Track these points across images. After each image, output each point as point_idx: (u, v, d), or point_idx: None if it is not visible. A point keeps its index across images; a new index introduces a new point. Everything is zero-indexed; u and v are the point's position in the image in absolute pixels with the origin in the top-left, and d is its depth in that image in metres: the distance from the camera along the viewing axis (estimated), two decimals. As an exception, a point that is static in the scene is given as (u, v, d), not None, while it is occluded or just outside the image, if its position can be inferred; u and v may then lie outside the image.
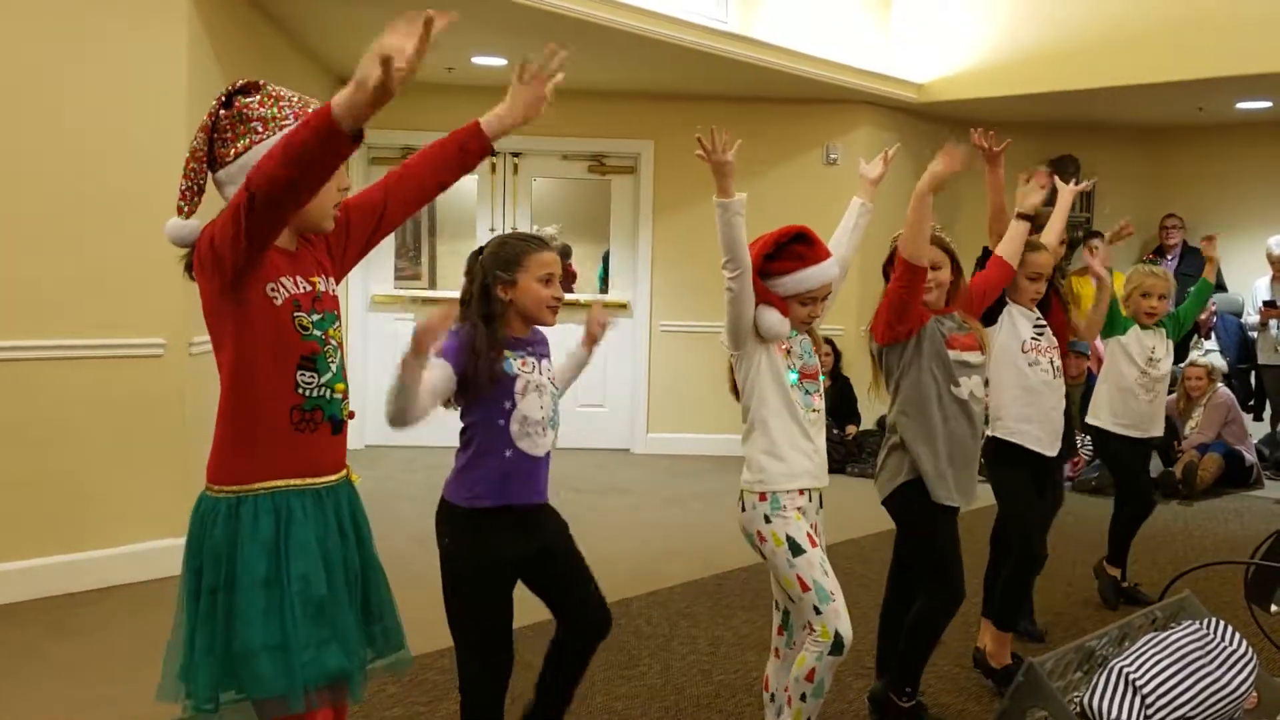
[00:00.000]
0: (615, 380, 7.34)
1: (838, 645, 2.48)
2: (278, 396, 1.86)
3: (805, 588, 2.50)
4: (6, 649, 3.56)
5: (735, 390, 2.69)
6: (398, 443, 6.41)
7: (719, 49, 5.99)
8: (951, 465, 2.86)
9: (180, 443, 4.35)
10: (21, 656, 3.51)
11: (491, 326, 2.40)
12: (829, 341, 7.06)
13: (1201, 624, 2.66)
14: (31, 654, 3.54)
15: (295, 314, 1.86)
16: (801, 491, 2.59)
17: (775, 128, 7.37)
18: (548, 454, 2.47)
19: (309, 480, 1.91)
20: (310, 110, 1.82)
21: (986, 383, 3.02)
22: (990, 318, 3.41)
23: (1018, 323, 3.46)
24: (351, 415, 2.00)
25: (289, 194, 1.68)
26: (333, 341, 1.93)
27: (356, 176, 7.17)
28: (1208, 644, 2.58)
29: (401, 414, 2.18)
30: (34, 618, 3.84)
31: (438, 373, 2.30)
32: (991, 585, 3.56)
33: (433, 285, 8.34)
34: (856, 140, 7.39)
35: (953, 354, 2.90)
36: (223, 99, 1.87)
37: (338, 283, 2.02)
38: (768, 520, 2.56)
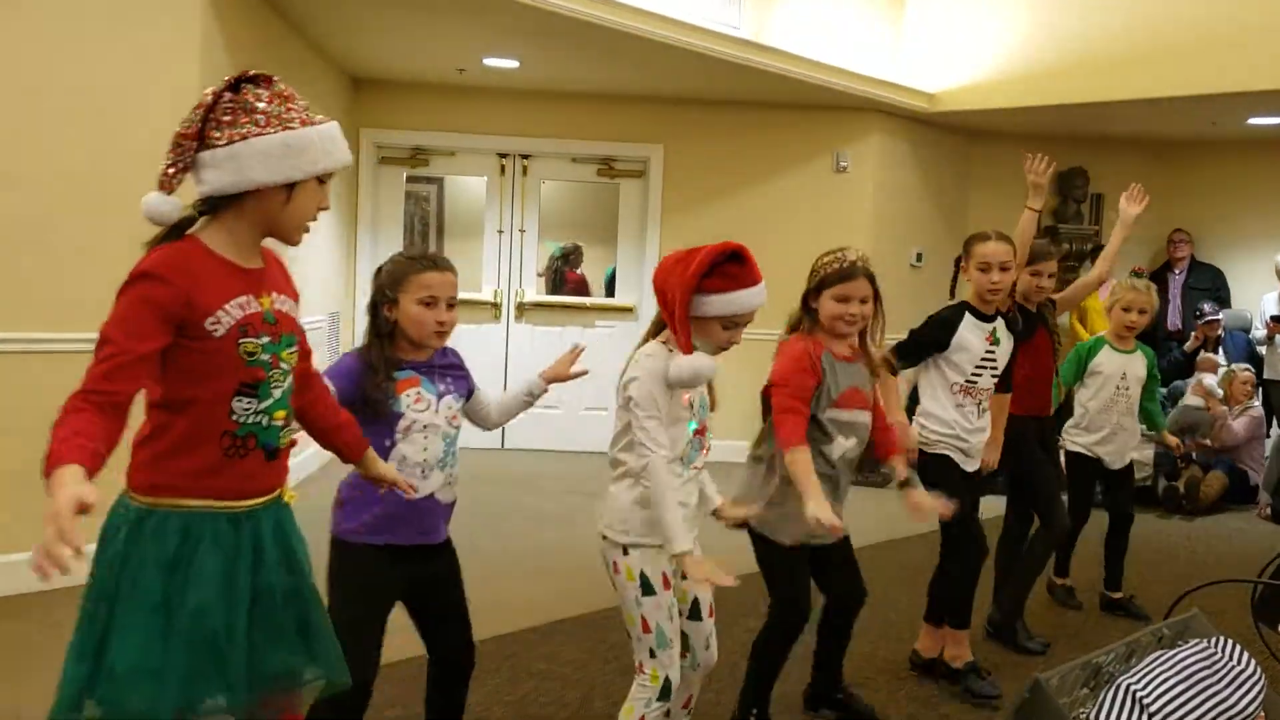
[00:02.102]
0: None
1: (665, 691, 2.42)
2: (209, 422, 1.78)
3: (647, 629, 2.41)
4: (3, 641, 3.55)
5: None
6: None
7: (731, 55, 5.98)
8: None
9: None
10: (17, 650, 3.50)
11: (383, 344, 2.38)
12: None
13: (1209, 643, 2.64)
14: (25, 648, 3.53)
15: (241, 340, 1.78)
16: None
17: (785, 134, 7.36)
18: (433, 496, 2.43)
19: (228, 503, 1.81)
20: (317, 119, 1.84)
21: (863, 440, 2.91)
22: (936, 346, 3.38)
23: (956, 359, 3.38)
24: (293, 443, 1.92)
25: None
26: (282, 366, 1.85)
27: (366, 176, 7.17)
28: (1215, 663, 2.55)
29: None
30: (29, 611, 3.82)
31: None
32: (936, 590, 3.59)
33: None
34: (867, 148, 7.38)
35: (835, 413, 2.80)
36: (230, 82, 1.81)
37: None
38: (626, 552, 2.43)
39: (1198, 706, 2.43)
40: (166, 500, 1.78)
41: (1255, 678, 2.56)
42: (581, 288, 8.45)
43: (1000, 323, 3.45)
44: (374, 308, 2.41)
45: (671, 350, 2.40)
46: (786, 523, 2.81)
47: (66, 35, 4.01)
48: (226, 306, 1.77)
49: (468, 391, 2.54)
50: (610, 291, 7.90)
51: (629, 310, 7.42)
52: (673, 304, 2.37)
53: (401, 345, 2.40)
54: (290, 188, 1.80)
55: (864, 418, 2.90)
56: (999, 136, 8.01)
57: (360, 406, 2.30)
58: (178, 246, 1.78)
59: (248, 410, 1.80)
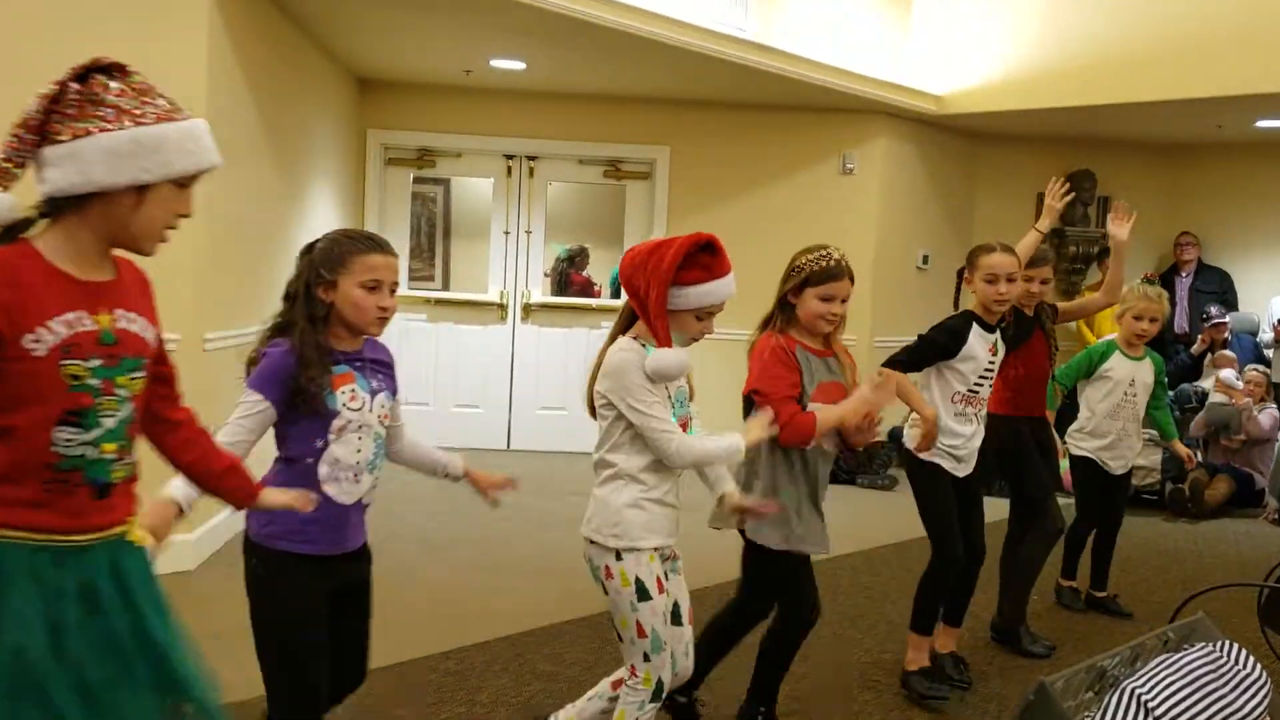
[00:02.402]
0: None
1: (658, 693, 2.43)
2: (26, 453, 1.59)
3: (642, 634, 2.41)
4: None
5: (593, 411, 2.51)
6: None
7: (738, 56, 5.98)
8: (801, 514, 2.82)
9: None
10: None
11: (316, 330, 2.16)
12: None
13: (1215, 647, 2.64)
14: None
15: (63, 361, 1.58)
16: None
17: (792, 136, 7.36)
18: (360, 501, 2.25)
19: (54, 538, 1.61)
20: (176, 115, 1.65)
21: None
22: (944, 354, 3.39)
23: (961, 369, 3.39)
24: (134, 479, 1.72)
25: None
26: (118, 393, 1.65)
27: (373, 177, 7.18)
28: (1221, 667, 2.55)
29: None
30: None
31: (253, 420, 2.11)
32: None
33: (446, 286, 8.35)
34: (874, 150, 7.37)
35: (812, 408, 2.74)
36: (78, 72, 1.61)
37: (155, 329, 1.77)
38: (619, 558, 2.41)
39: (1203, 711, 2.43)
40: None
41: (1261, 682, 2.55)
42: (587, 289, 8.46)
43: (998, 333, 3.49)
44: (306, 289, 2.18)
45: (644, 345, 2.39)
46: (774, 525, 2.79)
47: (72, 37, 4.02)
48: (50, 323, 1.57)
49: (394, 390, 2.34)
50: (616, 293, 7.89)
51: (635, 312, 7.41)
52: (647, 297, 2.34)
53: (336, 332, 2.20)
54: (141, 191, 1.61)
55: None
56: (1005, 139, 8.00)
57: (290, 404, 2.13)
58: (3, 252, 1.58)
59: (70, 442, 1.61)
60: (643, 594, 2.40)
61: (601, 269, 8.53)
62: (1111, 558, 4.48)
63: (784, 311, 2.87)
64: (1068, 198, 3.95)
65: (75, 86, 1.60)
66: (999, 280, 3.35)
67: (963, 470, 3.44)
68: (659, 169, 7.45)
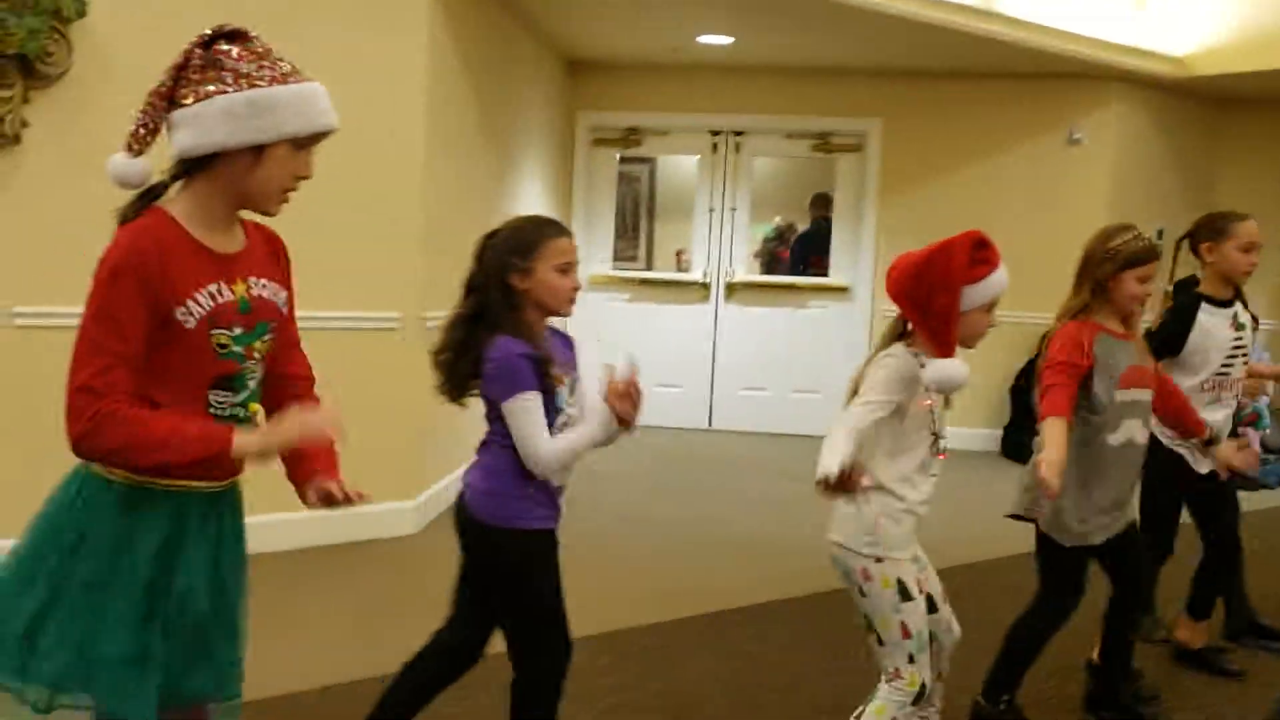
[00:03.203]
0: (831, 366, 7.13)
1: (920, 695, 2.39)
2: (189, 414, 1.70)
3: (906, 634, 2.37)
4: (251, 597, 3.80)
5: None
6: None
7: (956, 22, 5.69)
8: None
9: (411, 412, 4.54)
10: (266, 604, 3.73)
11: (518, 323, 2.23)
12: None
13: None
14: (274, 601, 3.75)
15: (212, 331, 1.69)
16: None
17: (1013, 106, 6.98)
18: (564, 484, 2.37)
19: (206, 483, 1.75)
20: (292, 78, 1.71)
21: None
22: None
23: (1201, 354, 3.25)
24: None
25: (137, 459, 1.64)
26: (255, 356, 1.77)
27: (580, 158, 7.28)
28: None
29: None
30: (277, 569, 4.07)
31: (540, 414, 2.20)
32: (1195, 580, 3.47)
33: (649, 266, 8.41)
34: (1105, 120, 6.91)
35: (1122, 395, 2.74)
36: (204, 39, 1.69)
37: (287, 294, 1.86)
38: (879, 561, 2.37)
39: None
40: (151, 480, 1.70)
41: None
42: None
43: (1238, 306, 3.31)
44: (500, 280, 2.24)
45: (918, 355, 2.36)
46: (1061, 521, 2.79)
47: (296, 35, 4.21)
48: (197, 295, 1.67)
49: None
50: (800, 263, 7.76)
51: (844, 290, 7.23)
52: (931, 304, 2.31)
53: (530, 316, 2.26)
54: (258, 151, 1.68)
55: (1146, 396, 2.85)
56: (1254, 103, 7.32)
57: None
58: (149, 225, 1.67)
59: (224, 404, 1.74)
60: (905, 595, 2.37)
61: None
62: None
63: (1098, 294, 2.82)
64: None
65: (199, 53, 1.68)
66: (1254, 249, 3.25)
67: (1204, 466, 3.24)
68: (871, 142, 7.22)
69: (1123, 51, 6.50)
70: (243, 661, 1.90)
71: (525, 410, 2.19)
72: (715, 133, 7.40)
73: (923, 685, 2.40)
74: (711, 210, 7.42)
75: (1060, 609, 2.89)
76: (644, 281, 7.55)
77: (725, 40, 6.29)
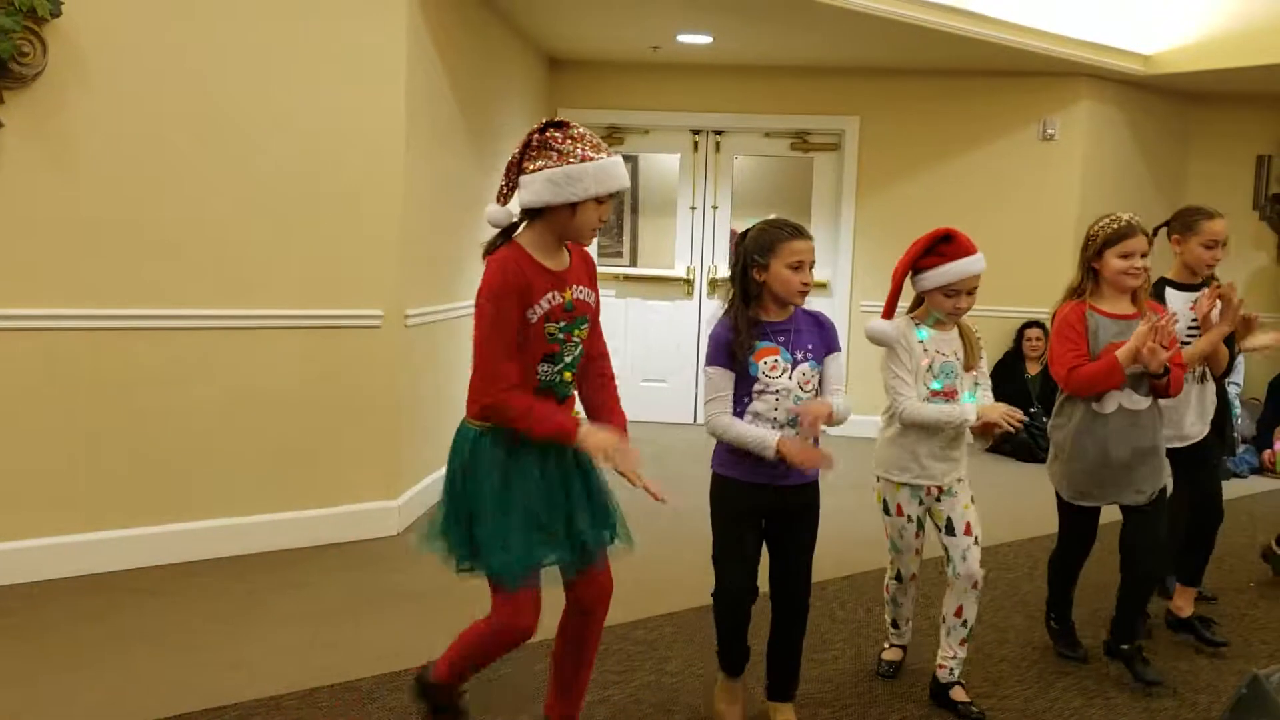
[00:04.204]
0: (812, 360, 7.23)
1: (898, 578, 3.31)
2: (525, 380, 2.43)
3: (888, 536, 3.25)
4: (233, 598, 3.85)
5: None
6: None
7: (931, 21, 5.79)
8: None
9: (393, 410, 4.58)
10: (248, 606, 3.80)
11: (748, 305, 2.71)
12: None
13: None
14: (256, 603, 3.82)
15: (547, 325, 2.42)
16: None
17: (988, 103, 7.10)
18: None
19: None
20: (598, 154, 2.38)
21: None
22: None
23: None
24: (573, 397, 2.57)
25: (510, 421, 2.38)
26: (574, 339, 2.49)
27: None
28: None
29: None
30: (257, 570, 4.13)
31: (727, 383, 2.70)
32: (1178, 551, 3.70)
33: (634, 263, 8.46)
34: (1076, 115, 7.03)
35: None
36: (540, 127, 2.41)
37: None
38: (878, 480, 3.21)
39: None
40: (494, 423, 2.44)
41: None
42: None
43: (1204, 291, 3.48)
44: (743, 271, 2.72)
45: (911, 318, 3.08)
46: (1062, 478, 3.29)
47: (280, 26, 4.25)
48: (540, 301, 2.40)
49: (820, 358, 2.77)
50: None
51: (822, 286, 7.32)
52: (896, 281, 3.03)
53: (766, 306, 2.73)
54: (574, 206, 2.37)
55: (1133, 369, 3.07)
56: (1222, 99, 7.46)
57: (732, 366, 2.71)
58: (512, 254, 2.40)
59: (547, 372, 2.47)
60: (885, 510, 3.19)
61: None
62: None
63: (1090, 277, 3.19)
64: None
65: (536, 137, 2.40)
66: (1217, 246, 3.51)
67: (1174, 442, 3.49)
68: (848, 140, 7.32)
69: (1093, 49, 6.63)
70: (612, 528, 2.64)
71: (708, 378, 2.75)
72: (696, 131, 7.47)
73: (898, 573, 3.28)
74: (693, 208, 7.50)
75: (1071, 553, 3.44)
76: (628, 277, 7.64)
77: (704, 39, 6.35)
